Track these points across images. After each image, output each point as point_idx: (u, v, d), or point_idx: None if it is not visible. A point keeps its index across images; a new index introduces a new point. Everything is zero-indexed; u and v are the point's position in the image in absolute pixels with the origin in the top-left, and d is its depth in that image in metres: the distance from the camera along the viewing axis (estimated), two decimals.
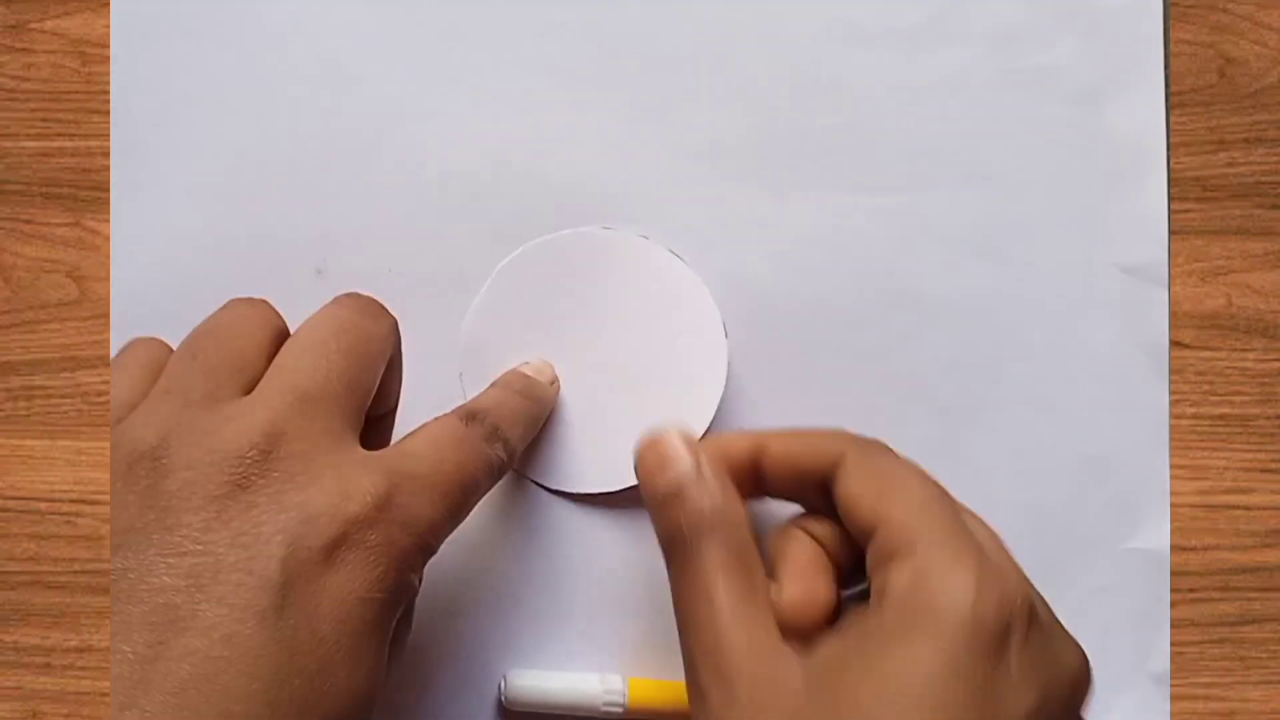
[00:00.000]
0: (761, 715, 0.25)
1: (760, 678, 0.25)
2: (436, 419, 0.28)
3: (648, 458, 0.29)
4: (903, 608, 0.25)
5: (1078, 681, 0.26)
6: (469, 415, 0.29)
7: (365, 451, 0.26)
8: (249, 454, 0.25)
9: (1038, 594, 0.26)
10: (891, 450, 0.28)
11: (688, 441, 0.29)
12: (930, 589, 0.24)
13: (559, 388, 0.34)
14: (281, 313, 0.29)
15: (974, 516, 0.28)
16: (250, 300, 0.29)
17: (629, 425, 0.34)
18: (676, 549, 0.28)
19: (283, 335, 0.28)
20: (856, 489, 0.27)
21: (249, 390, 0.27)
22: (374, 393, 0.28)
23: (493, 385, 0.33)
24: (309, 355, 0.27)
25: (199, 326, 0.28)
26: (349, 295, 0.29)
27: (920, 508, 0.26)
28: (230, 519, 0.24)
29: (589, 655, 0.35)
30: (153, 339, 0.29)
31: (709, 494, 0.28)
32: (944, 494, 0.27)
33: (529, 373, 0.33)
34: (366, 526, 0.25)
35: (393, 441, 0.29)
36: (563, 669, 0.35)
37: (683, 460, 0.28)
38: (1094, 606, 0.35)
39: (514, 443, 0.30)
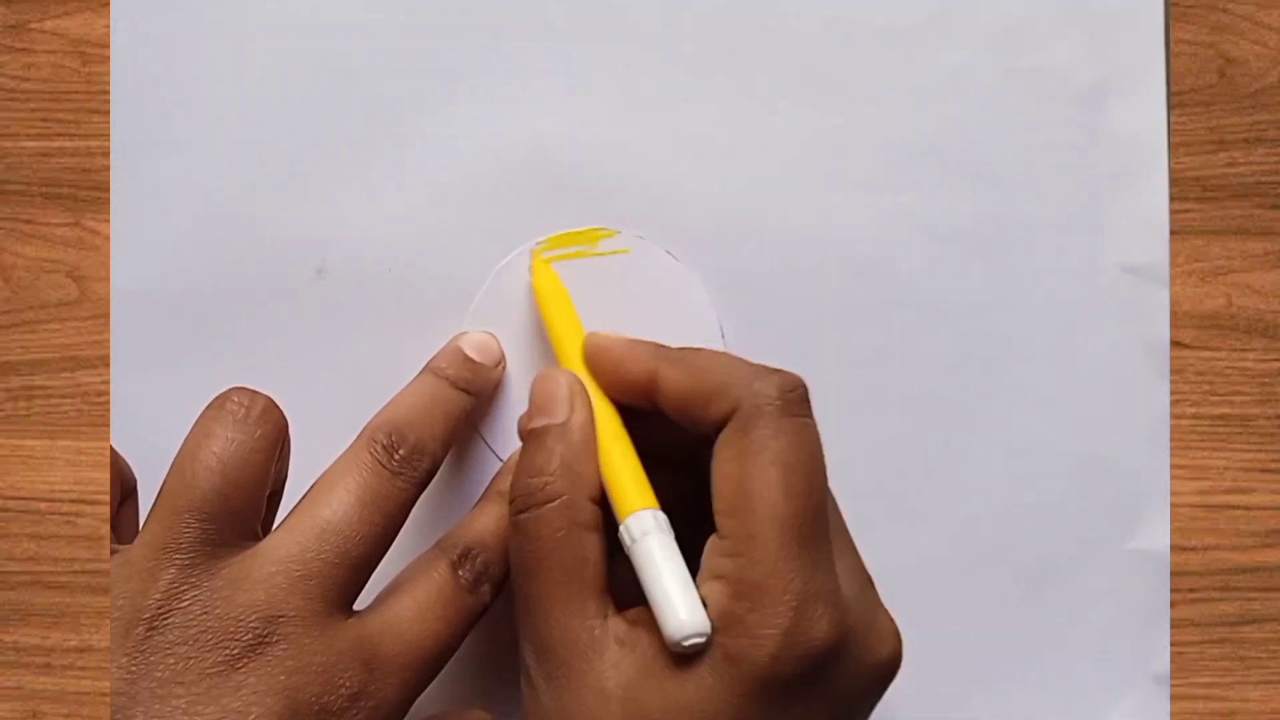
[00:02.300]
0: (569, 703, 0.26)
1: (575, 668, 0.26)
2: (425, 568, 0.29)
3: (533, 392, 0.30)
4: (713, 623, 0.25)
5: (882, 674, 0.27)
6: (461, 557, 0.29)
7: (351, 630, 0.27)
8: (244, 637, 0.26)
9: (862, 590, 0.27)
10: (788, 415, 0.27)
11: (573, 392, 0.29)
12: (741, 627, 0.25)
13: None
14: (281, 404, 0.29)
15: (838, 526, 0.28)
16: (249, 408, 0.29)
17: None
18: (521, 503, 0.28)
19: (282, 434, 0.29)
20: (723, 469, 0.27)
21: (251, 530, 0.28)
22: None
23: (490, 497, 0.32)
24: (322, 533, 0.28)
25: (198, 453, 0.28)
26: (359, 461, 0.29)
27: (767, 523, 0.26)
28: (219, 696, 0.25)
29: None
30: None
31: (566, 455, 0.28)
32: (802, 507, 0.26)
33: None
34: (338, 715, 0.26)
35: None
36: None
37: (559, 412, 0.29)
38: (1094, 606, 0.35)
39: (502, 578, 0.31)
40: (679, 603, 0.25)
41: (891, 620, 0.28)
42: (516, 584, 0.28)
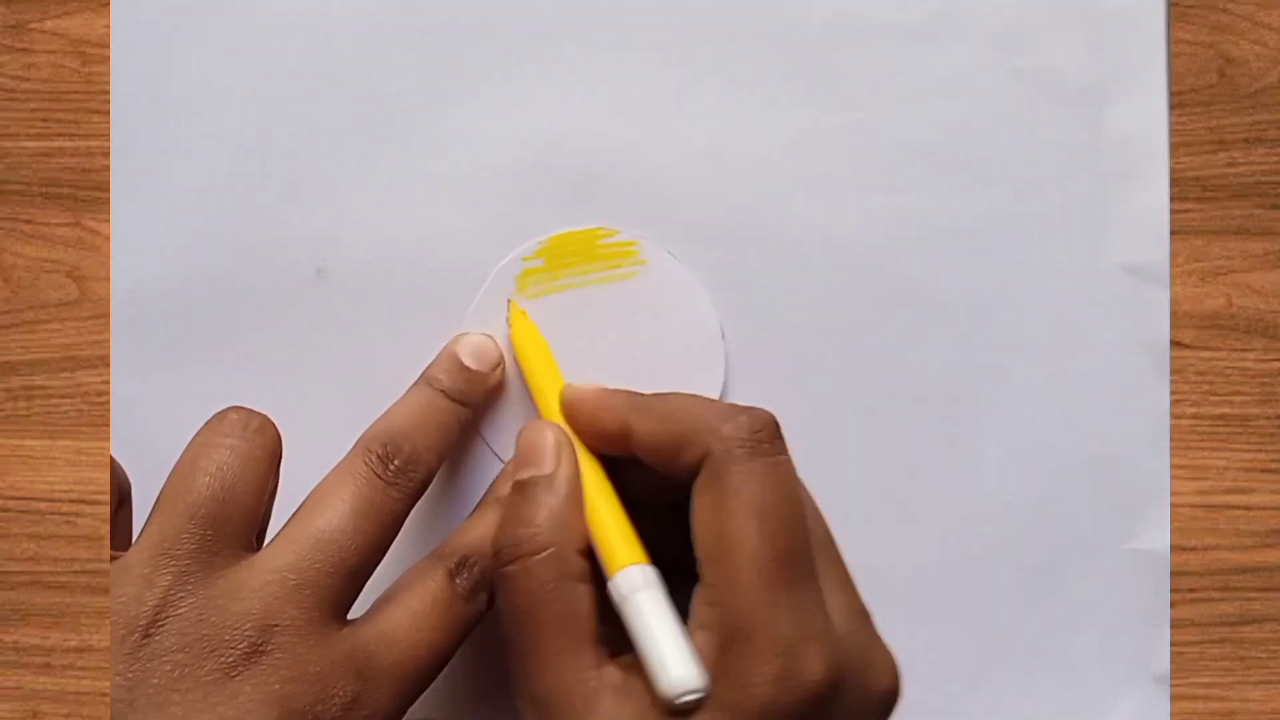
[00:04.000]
0: None
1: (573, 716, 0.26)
2: (422, 576, 0.29)
3: (519, 444, 0.30)
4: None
5: (882, 707, 0.27)
6: (458, 565, 0.29)
7: (346, 640, 0.27)
8: (240, 646, 0.26)
9: (857, 624, 0.27)
10: (759, 457, 0.27)
11: (559, 444, 0.29)
12: (732, 676, 0.25)
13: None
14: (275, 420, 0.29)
15: (830, 558, 0.28)
16: (247, 422, 0.29)
17: None
18: (508, 554, 0.28)
19: (278, 448, 0.29)
20: (700, 517, 0.27)
21: (248, 540, 0.28)
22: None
23: (490, 504, 0.32)
24: (317, 543, 0.28)
25: (197, 461, 0.28)
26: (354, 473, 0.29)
27: (747, 570, 0.26)
28: (215, 704, 0.25)
29: None
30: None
31: (553, 507, 0.28)
32: (782, 549, 0.26)
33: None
34: None
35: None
36: None
37: (545, 464, 0.29)
38: (1094, 606, 0.35)
39: None
40: (671, 659, 0.25)
41: (889, 653, 0.27)
42: (508, 636, 0.28)
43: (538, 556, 0.27)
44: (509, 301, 0.34)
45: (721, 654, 0.25)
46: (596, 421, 0.30)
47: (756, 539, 0.26)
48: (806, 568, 0.26)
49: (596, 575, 0.28)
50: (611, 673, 0.26)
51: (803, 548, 0.26)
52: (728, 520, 0.26)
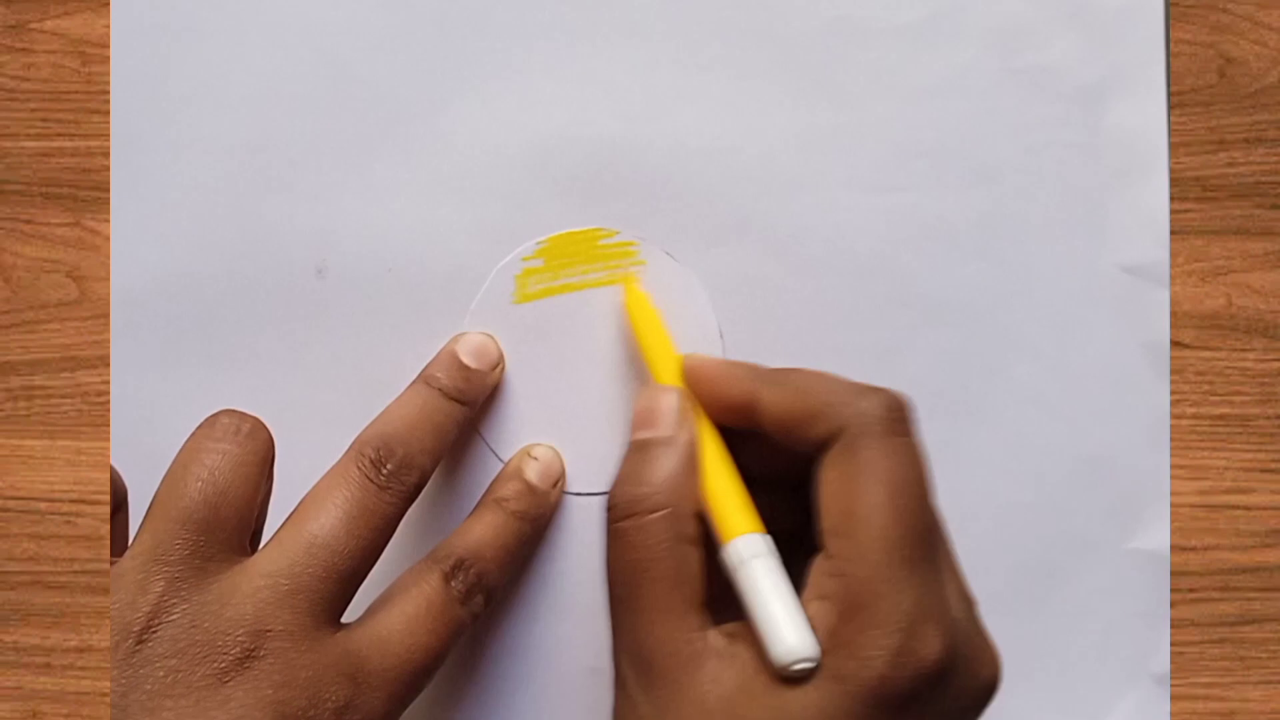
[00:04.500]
0: (669, 714, 0.26)
1: (676, 680, 0.26)
2: (417, 579, 0.29)
3: (640, 406, 0.30)
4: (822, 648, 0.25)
5: (983, 696, 0.27)
6: (454, 568, 0.30)
7: (339, 644, 0.27)
8: (232, 651, 0.26)
9: (968, 612, 0.27)
10: (894, 435, 0.27)
11: (682, 409, 0.29)
12: (850, 648, 0.25)
13: (563, 489, 0.34)
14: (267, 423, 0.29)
15: (945, 548, 0.27)
16: (239, 426, 0.29)
17: (622, 426, 0.35)
18: (623, 509, 0.28)
19: (270, 451, 0.29)
20: (829, 489, 0.27)
21: (241, 544, 0.28)
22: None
23: (487, 505, 0.32)
24: (310, 547, 0.28)
25: (189, 466, 0.28)
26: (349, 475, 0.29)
27: (876, 544, 0.25)
28: (208, 709, 0.25)
29: (583, 655, 0.35)
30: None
31: (672, 469, 0.28)
32: (910, 527, 0.26)
33: (533, 477, 0.33)
34: None
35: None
36: (553, 667, 0.35)
37: (666, 427, 0.29)
38: (1094, 606, 0.35)
39: (496, 588, 0.31)
40: (788, 626, 0.25)
41: (993, 645, 0.27)
42: (614, 592, 0.27)
43: (653, 514, 0.27)
44: (623, 280, 0.34)
45: (841, 624, 0.25)
46: (721, 391, 0.29)
47: (889, 513, 0.26)
48: (932, 548, 0.26)
49: (709, 543, 0.28)
50: (716, 637, 0.26)
51: (932, 527, 0.26)
52: (859, 493, 0.26)
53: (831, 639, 0.25)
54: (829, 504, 0.27)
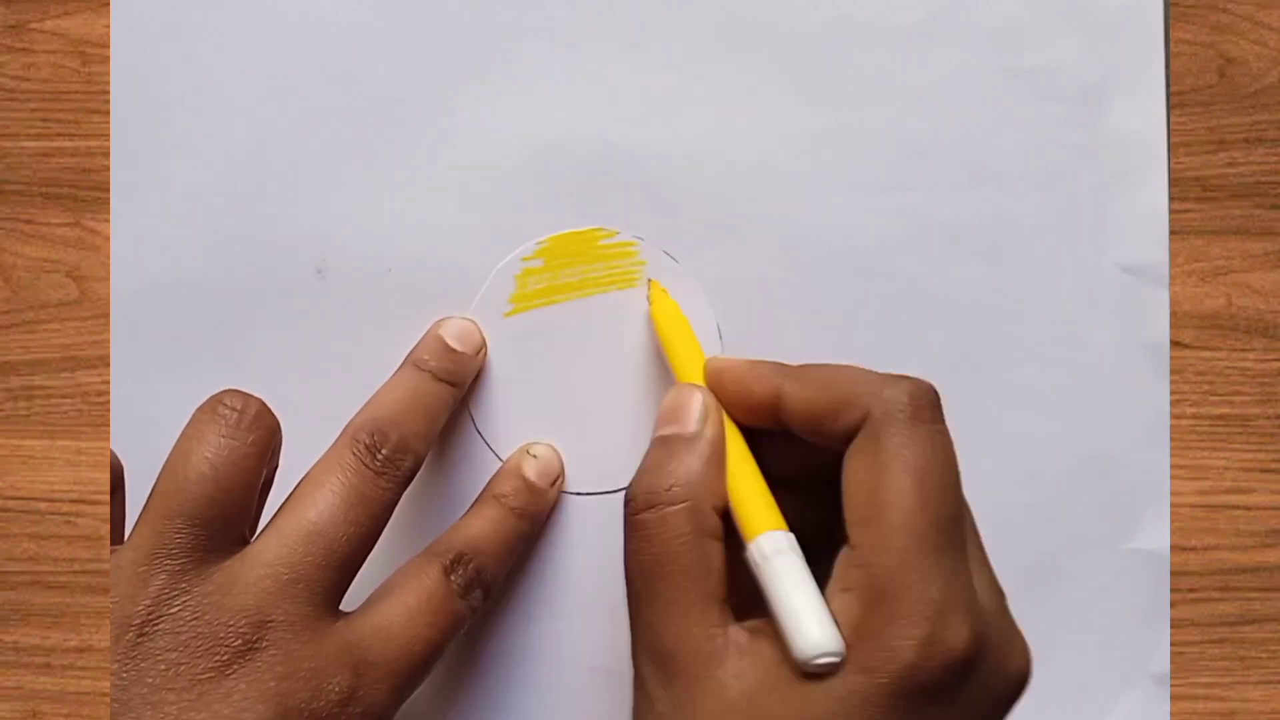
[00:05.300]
0: (689, 711, 0.25)
1: (696, 675, 0.25)
2: (417, 572, 0.29)
3: (665, 404, 0.29)
4: (845, 640, 0.25)
5: (1014, 688, 0.26)
6: (454, 562, 0.30)
7: (340, 634, 0.27)
8: (234, 643, 0.26)
9: (997, 603, 0.26)
10: (920, 422, 0.26)
11: (707, 407, 0.29)
12: (877, 639, 0.24)
13: (561, 487, 0.34)
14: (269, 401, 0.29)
15: (973, 538, 0.27)
16: (242, 413, 0.28)
17: (622, 427, 0.35)
18: (643, 501, 0.27)
19: (274, 437, 0.29)
20: (855, 478, 0.26)
21: (240, 534, 0.28)
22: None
23: (486, 500, 0.32)
24: (309, 535, 0.28)
25: (190, 457, 0.28)
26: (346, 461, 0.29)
27: (901, 532, 0.25)
28: (211, 702, 0.25)
29: (583, 655, 0.35)
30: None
31: (695, 465, 0.28)
32: (937, 515, 0.25)
33: (532, 474, 0.33)
34: (328, 719, 0.27)
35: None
36: (553, 668, 0.35)
37: (691, 423, 0.29)
38: (1094, 606, 0.35)
39: (495, 583, 0.31)
40: (811, 620, 0.25)
41: (1023, 637, 0.27)
42: (632, 587, 0.27)
43: (674, 507, 0.27)
44: (649, 281, 0.34)
45: (866, 615, 0.25)
46: (745, 389, 0.29)
47: (914, 501, 0.25)
48: (959, 537, 0.26)
49: (729, 541, 0.28)
50: (738, 633, 0.26)
51: (958, 516, 0.26)
52: (885, 482, 0.26)
53: (857, 631, 0.25)
54: (854, 494, 0.26)
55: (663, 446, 0.28)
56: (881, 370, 0.28)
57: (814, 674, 0.25)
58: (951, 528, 0.26)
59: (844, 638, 0.25)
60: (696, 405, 0.29)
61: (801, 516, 0.28)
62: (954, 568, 0.25)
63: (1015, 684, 0.26)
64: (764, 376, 0.29)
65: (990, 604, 0.26)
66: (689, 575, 0.26)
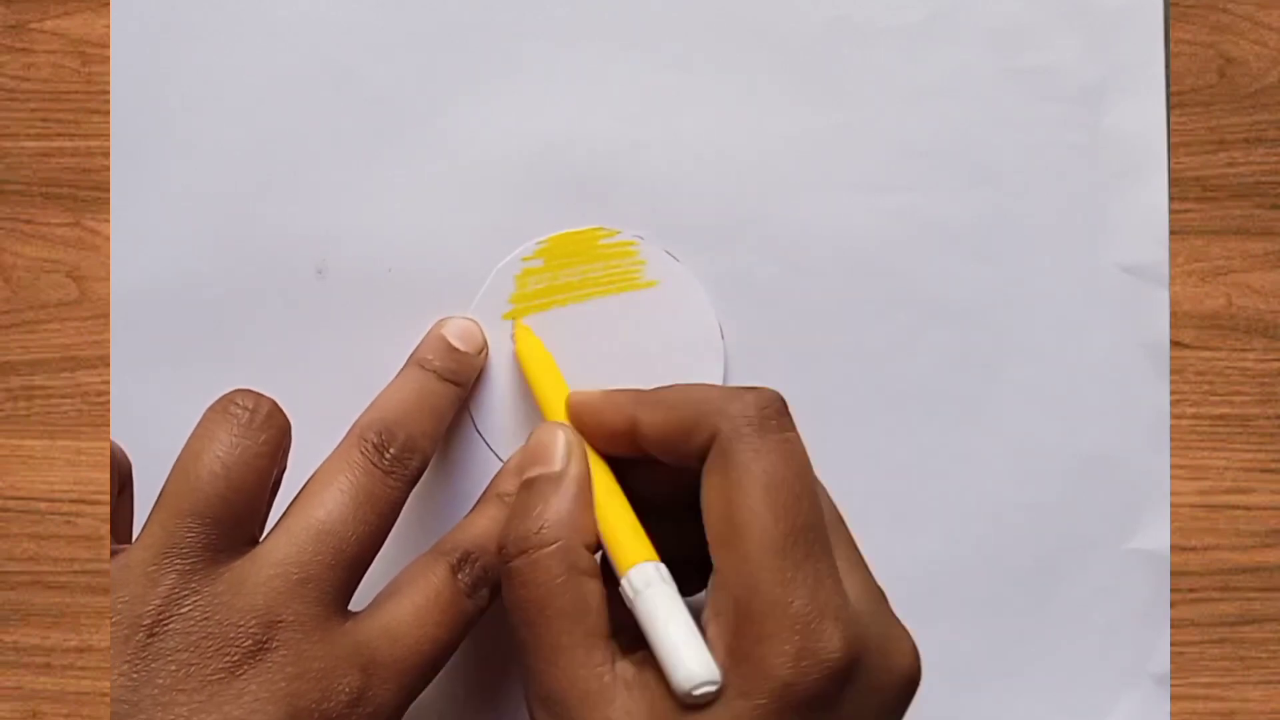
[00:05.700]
0: None
1: (586, 718, 0.25)
2: (424, 571, 0.29)
3: (528, 444, 0.30)
4: (721, 665, 0.25)
5: (902, 687, 0.26)
6: (460, 560, 0.29)
7: (349, 634, 0.27)
8: (244, 643, 0.26)
9: (874, 604, 0.26)
10: (767, 433, 0.26)
11: (569, 444, 0.29)
12: (750, 661, 0.24)
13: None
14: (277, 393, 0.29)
15: (842, 539, 0.27)
16: (254, 412, 0.28)
17: None
18: (515, 547, 0.27)
19: (285, 437, 0.29)
20: (710, 499, 0.26)
21: (250, 534, 0.28)
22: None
23: (490, 499, 0.32)
24: (318, 535, 0.28)
25: (201, 456, 0.28)
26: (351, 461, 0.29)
27: (759, 548, 0.25)
28: (221, 703, 0.25)
29: None
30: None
31: (562, 504, 0.28)
32: (793, 525, 0.25)
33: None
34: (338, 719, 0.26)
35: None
36: None
37: (555, 462, 0.28)
38: (1094, 606, 0.35)
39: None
40: (686, 652, 0.25)
41: (907, 635, 0.27)
42: (518, 635, 0.27)
43: (545, 549, 0.27)
44: (514, 323, 0.34)
45: (737, 638, 0.25)
46: (603, 420, 0.29)
47: (768, 515, 0.25)
48: (820, 544, 0.26)
49: (607, 577, 0.28)
50: (625, 668, 0.26)
51: (816, 523, 0.26)
52: (738, 498, 0.25)
53: (731, 655, 0.25)
54: (711, 514, 0.26)
55: (528, 489, 0.28)
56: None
57: (695, 705, 0.25)
58: (810, 535, 0.25)
59: (719, 663, 0.25)
60: (559, 443, 0.29)
61: (680, 540, 0.28)
62: (818, 576, 0.25)
63: (903, 683, 0.26)
64: (619, 405, 0.29)
65: (866, 606, 0.26)
66: (568, 617, 0.26)
